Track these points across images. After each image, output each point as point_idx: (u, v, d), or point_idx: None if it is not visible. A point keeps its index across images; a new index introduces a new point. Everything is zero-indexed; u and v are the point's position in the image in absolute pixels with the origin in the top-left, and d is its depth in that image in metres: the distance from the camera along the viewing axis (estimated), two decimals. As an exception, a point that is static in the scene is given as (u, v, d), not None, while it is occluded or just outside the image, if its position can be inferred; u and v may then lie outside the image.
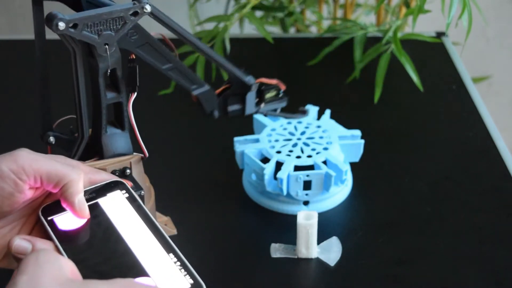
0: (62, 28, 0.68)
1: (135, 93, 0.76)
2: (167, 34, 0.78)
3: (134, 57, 0.75)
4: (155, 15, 0.73)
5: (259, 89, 0.84)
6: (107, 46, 0.72)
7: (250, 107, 0.85)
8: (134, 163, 0.77)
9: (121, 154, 0.78)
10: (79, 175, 0.64)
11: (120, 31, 0.71)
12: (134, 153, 0.79)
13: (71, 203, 0.63)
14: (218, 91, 0.84)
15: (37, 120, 0.80)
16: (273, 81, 0.85)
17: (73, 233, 0.64)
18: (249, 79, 0.83)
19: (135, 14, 0.71)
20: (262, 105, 0.86)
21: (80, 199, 0.64)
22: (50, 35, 0.72)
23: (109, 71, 0.74)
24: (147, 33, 0.75)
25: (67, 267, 0.57)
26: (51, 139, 0.79)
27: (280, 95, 0.87)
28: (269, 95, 0.86)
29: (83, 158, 0.78)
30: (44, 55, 0.77)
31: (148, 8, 0.72)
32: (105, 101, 0.76)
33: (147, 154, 0.78)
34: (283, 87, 0.86)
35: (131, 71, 0.75)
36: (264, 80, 0.85)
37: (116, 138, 0.78)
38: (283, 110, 0.89)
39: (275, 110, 0.88)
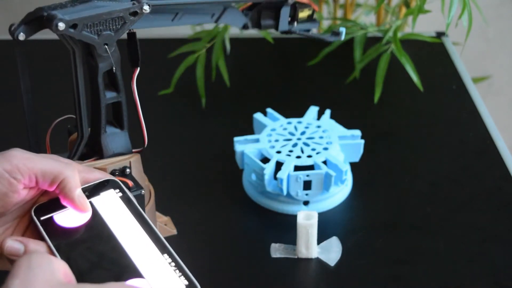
0: (62, 28, 0.68)
1: (138, 68, 0.76)
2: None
3: (133, 31, 0.75)
4: (156, 8, 0.73)
5: (293, 6, 0.84)
6: (106, 46, 0.72)
7: (283, 23, 0.84)
8: (133, 162, 0.77)
9: (120, 154, 0.78)
10: (73, 171, 0.64)
11: (119, 31, 0.72)
12: (133, 150, 0.79)
13: (71, 198, 0.63)
14: (248, 4, 0.83)
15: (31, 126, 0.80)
16: (305, 0, 0.84)
17: (66, 233, 0.63)
18: None
19: (135, 14, 0.71)
20: (295, 24, 0.85)
21: (78, 193, 0.64)
22: (50, 35, 0.72)
23: (114, 69, 0.74)
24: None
25: (60, 269, 0.57)
26: None
27: (314, 16, 0.86)
28: (302, 14, 0.85)
29: (83, 157, 0.78)
30: (29, 92, 0.75)
31: (146, 8, 0.71)
32: (104, 100, 0.75)
33: (146, 141, 0.78)
34: (316, 8, 0.86)
35: (132, 47, 0.75)
36: None
37: (115, 138, 0.78)
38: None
39: (307, 30, 0.86)
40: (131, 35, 0.75)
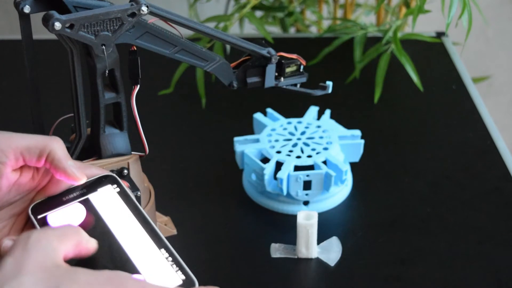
0: (58, 28, 0.68)
1: (138, 86, 0.76)
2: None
3: (135, 48, 0.74)
4: (155, 14, 0.73)
5: (279, 63, 0.83)
6: (104, 47, 0.71)
7: (269, 80, 0.84)
8: (132, 163, 0.77)
9: (119, 154, 0.77)
10: (58, 142, 0.63)
11: (117, 31, 0.71)
12: (132, 152, 0.79)
13: (62, 169, 0.62)
14: (236, 63, 0.83)
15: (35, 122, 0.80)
16: (293, 56, 0.84)
17: None
18: (269, 50, 0.82)
19: (133, 15, 0.71)
20: (282, 79, 0.85)
21: (70, 163, 0.63)
22: (49, 35, 0.72)
23: (107, 71, 0.74)
24: (144, 23, 0.73)
25: (60, 250, 0.56)
26: None
27: (301, 70, 0.86)
28: (289, 69, 0.84)
29: (82, 158, 0.78)
30: (34, 68, 0.75)
31: (144, 10, 0.71)
32: (103, 101, 0.75)
33: (147, 150, 0.78)
34: (303, 63, 0.85)
35: (133, 64, 0.75)
36: (284, 54, 0.84)
37: (114, 138, 0.78)
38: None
39: (295, 85, 0.86)
40: (133, 52, 0.75)
